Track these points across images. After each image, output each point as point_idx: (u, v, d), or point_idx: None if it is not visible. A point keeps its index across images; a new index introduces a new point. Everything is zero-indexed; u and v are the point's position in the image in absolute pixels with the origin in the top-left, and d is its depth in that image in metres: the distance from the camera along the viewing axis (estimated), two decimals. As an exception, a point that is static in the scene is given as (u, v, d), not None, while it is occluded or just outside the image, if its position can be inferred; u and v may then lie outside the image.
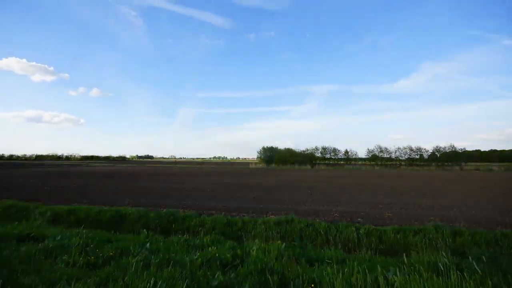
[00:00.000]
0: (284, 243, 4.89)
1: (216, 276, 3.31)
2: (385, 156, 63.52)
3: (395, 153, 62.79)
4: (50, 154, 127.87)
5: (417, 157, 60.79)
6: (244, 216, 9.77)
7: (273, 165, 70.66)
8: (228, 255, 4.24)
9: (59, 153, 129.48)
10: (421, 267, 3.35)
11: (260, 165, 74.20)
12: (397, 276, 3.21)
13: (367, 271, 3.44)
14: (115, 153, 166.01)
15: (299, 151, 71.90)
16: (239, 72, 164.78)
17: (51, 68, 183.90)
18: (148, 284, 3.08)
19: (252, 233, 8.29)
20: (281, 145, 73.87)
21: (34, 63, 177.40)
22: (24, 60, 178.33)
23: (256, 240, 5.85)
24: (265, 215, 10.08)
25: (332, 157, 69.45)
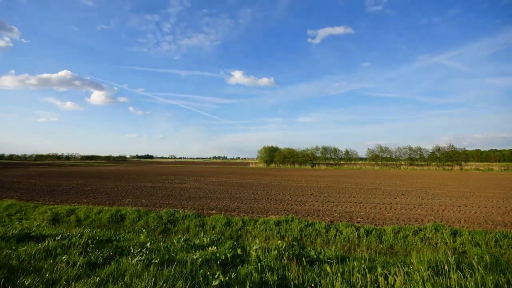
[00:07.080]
0: (284, 243, 4.88)
1: (216, 276, 3.31)
2: (386, 156, 63.48)
3: (396, 153, 62.74)
4: (51, 154, 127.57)
5: (417, 157, 60.70)
6: (244, 216, 9.77)
7: (273, 165, 70.58)
8: (228, 255, 4.23)
9: (59, 153, 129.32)
10: (421, 267, 3.34)
11: (260, 165, 74.02)
12: (397, 276, 3.21)
13: (367, 271, 3.44)
14: (115, 153, 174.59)
15: (299, 150, 71.76)
16: (226, 112, 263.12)
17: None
18: (148, 284, 3.08)
19: (252, 233, 8.30)
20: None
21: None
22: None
23: (256, 240, 5.84)
24: (265, 215, 10.09)
25: (332, 157, 69.38)
